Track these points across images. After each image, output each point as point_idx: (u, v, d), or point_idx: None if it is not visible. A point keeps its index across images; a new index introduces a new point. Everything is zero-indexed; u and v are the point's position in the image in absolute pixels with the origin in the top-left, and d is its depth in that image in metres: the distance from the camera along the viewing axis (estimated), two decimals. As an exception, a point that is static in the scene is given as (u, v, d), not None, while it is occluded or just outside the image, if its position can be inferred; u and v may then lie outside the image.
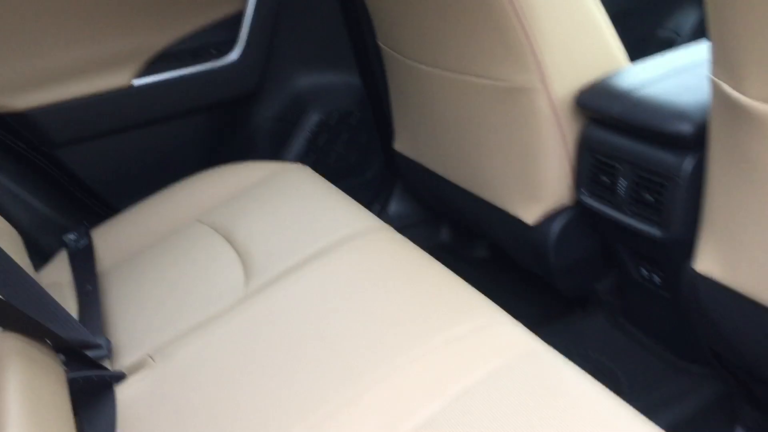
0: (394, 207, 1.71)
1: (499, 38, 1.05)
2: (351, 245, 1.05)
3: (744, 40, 0.73)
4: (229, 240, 1.18)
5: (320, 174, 1.35)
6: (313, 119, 1.58)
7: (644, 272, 1.12)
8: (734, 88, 0.77)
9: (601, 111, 1.03)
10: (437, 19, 1.15)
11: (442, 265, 0.98)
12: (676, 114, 0.93)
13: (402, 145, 1.51)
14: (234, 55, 1.46)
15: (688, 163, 0.93)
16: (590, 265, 1.24)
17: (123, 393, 0.91)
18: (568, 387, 0.75)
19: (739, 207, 0.83)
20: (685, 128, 0.91)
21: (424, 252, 1.01)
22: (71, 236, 1.28)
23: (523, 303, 1.43)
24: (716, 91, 0.81)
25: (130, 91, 1.39)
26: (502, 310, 0.87)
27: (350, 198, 1.20)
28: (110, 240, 1.29)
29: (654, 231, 0.99)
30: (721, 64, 0.79)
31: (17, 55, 1.27)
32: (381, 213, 1.70)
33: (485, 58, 1.10)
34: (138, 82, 1.40)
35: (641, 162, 0.99)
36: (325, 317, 0.92)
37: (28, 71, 1.29)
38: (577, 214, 1.16)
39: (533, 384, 0.76)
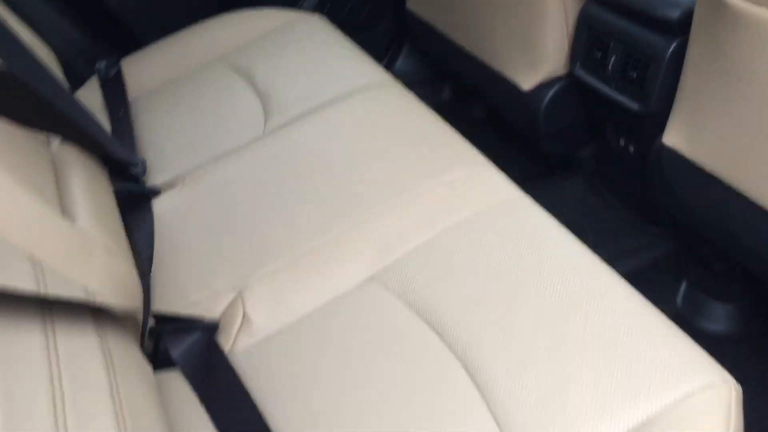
0: (400, 64, 1.80)
1: None
2: (363, 96, 1.16)
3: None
4: (250, 82, 1.28)
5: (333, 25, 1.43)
6: (330, -31, 1.64)
7: (622, 142, 1.25)
8: (718, -19, 0.87)
9: (602, -10, 1.12)
10: None
11: (443, 120, 1.10)
12: (666, 0, 1.02)
13: (414, 4, 1.58)
14: None
15: (671, 46, 1.03)
16: (575, 133, 1.37)
17: (158, 206, 1.06)
18: (540, 231, 0.90)
19: (709, 91, 0.94)
20: (673, 14, 1.01)
21: (428, 107, 1.13)
22: (102, 63, 1.38)
23: (511, 162, 1.56)
24: (704, -17, 0.90)
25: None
26: (492, 164, 1.00)
27: (364, 51, 1.30)
28: (139, 71, 1.39)
29: (633, 104, 1.11)
30: (711, -43, 0.88)
31: None
32: (387, 68, 1.78)
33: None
34: None
35: (631, 41, 1.09)
36: (334, 158, 1.05)
37: None
38: (568, 85, 1.26)
39: (509, 226, 0.90)
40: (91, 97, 1.33)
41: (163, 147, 1.18)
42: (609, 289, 0.79)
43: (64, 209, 0.79)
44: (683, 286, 1.22)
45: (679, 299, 1.22)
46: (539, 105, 1.28)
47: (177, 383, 0.82)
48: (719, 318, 1.19)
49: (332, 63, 1.27)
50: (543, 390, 0.71)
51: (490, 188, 0.95)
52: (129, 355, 0.71)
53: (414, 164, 1.00)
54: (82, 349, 0.64)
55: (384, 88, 1.17)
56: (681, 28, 1.01)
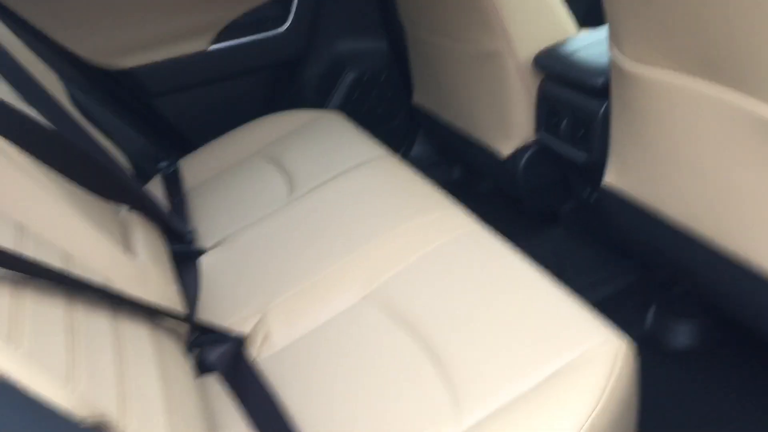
0: (416, 150, 2.10)
1: (478, 12, 1.41)
2: (363, 168, 1.44)
3: (620, 13, 1.08)
4: (281, 167, 1.59)
5: (355, 121, 1.74)
6: (349, 77, 1.97)
7: (587, 192, 1.48)
8: (619, 49, 1.13)
9: (549, 69, 1.39)
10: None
11: (426, 181, 1.36)
12: (595, 71, 1.28)
13: (419, 98, 1.89)
14: (285, 26, 1.86)
15: (602, 107, 1.28)
16: (553, 190, 1.61)
17: (203, 262, 1.34)
18: (498, 257, 1.13)
19: (626, 135, 1.18)
20: (600, 81, 1.27)
21: (417, 173, 1.40)
22: (164, 164, 1.72)
23: (511, 218, 1.79)
24: (611, 52, 1.16)
25: (207, 54, 1.81)
26: (459, 206, 1.25)
27: (370, 136, 1.59)
28: (193, 167, 1.72)
29: (582, 155, 1.35)
30: (612, 32, 1.14)
31: (128, 25, 1.71)
32: (405, 155, 2.08)
33: (469, 26, 1.47)
34: (213, 47, 1.82)
35: (575, 106, 1.35)
36: (338, 214, 1.32)
37: (134, 38, 1.72)
38: (539, 149, 1.52)
39: (472, 253, 1.14)
40: (155, 190, 1.65)
41: (210, 219, 1.48)
42: (538, 291, 1.02)
43: (129, 250, 1.08)
44: (652, 309, 1.41)
45: (648, 320, 1.41)
46: (517, 168, 1.53)
47: (214, 385, 1.07)
48: (684, 334, 1.36)
49: (343, 147, 1.56)
50: (482, 360, 0.93)
51: (454, 224, 1.20)
52: (175, 353, 0.97)
53: (396, 211, 1.26)
54: (139, 336, 0.90)
55: (381, 161, 1.45)
56: (606, 92, 1.26)
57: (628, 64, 1.10)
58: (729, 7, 0.85)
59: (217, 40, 1.82)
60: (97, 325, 0.83)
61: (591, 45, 1.36)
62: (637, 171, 1.18)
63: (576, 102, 1.34)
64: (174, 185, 1.66)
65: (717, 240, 1.06)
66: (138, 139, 1.80)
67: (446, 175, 2.07)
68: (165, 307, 0.98)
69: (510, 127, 1.51)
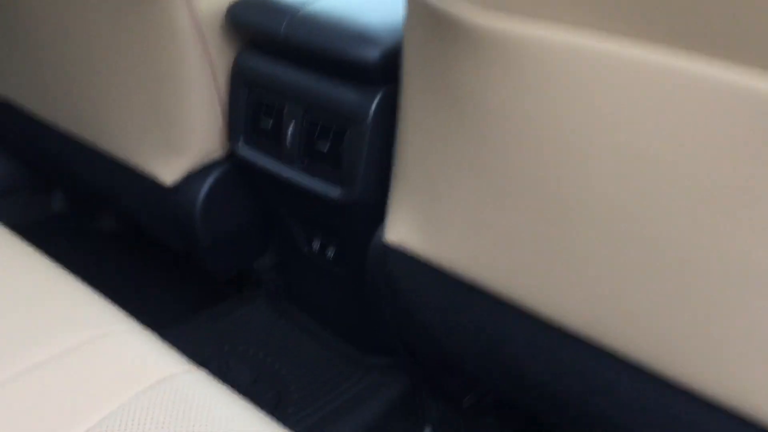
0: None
1: None
2: None
3: None
4: None
5: None
6: None
7: (315, 246, 0.89)
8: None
9: (262, 31, 0.76)
10: None
11: (53, 265, 0.65)
12: (360, 36, 0.70)
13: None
14: None
15: (374, 100, 0.71)
16: (248, 238, 0.98)
17: None
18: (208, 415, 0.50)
19: (441, 159, 0.63)
20: (372, 54, 0.69)
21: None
22: None
23: (165, 291, 1.11)
24: (416, 3, 0.59)
25: None
26: (131, 320, 0.57)
27: None
28: None
29: (331, 191, 0.76)
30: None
31: None
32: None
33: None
34: None
35: (314, 99, 0.75)
36: None
37: None
38: (231, 171, 0.89)
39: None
40: None
41: None
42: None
43: None
44: (426, 432, 0.89)
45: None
46: (191, 204, 0.87)
47: None
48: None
49: None
50: None
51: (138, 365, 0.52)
52: None
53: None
54: None
55: None
56: (385, 75, 0.69)
57: (469, 14, 0.55)
58: None
59: None
60: None
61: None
62: (456, 225, 0.64)
63: (317, 91, 0.75)
64: None
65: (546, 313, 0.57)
66: None
67: (42, 206, 1.28)
68: None
69: (178, 134, 0.85)
